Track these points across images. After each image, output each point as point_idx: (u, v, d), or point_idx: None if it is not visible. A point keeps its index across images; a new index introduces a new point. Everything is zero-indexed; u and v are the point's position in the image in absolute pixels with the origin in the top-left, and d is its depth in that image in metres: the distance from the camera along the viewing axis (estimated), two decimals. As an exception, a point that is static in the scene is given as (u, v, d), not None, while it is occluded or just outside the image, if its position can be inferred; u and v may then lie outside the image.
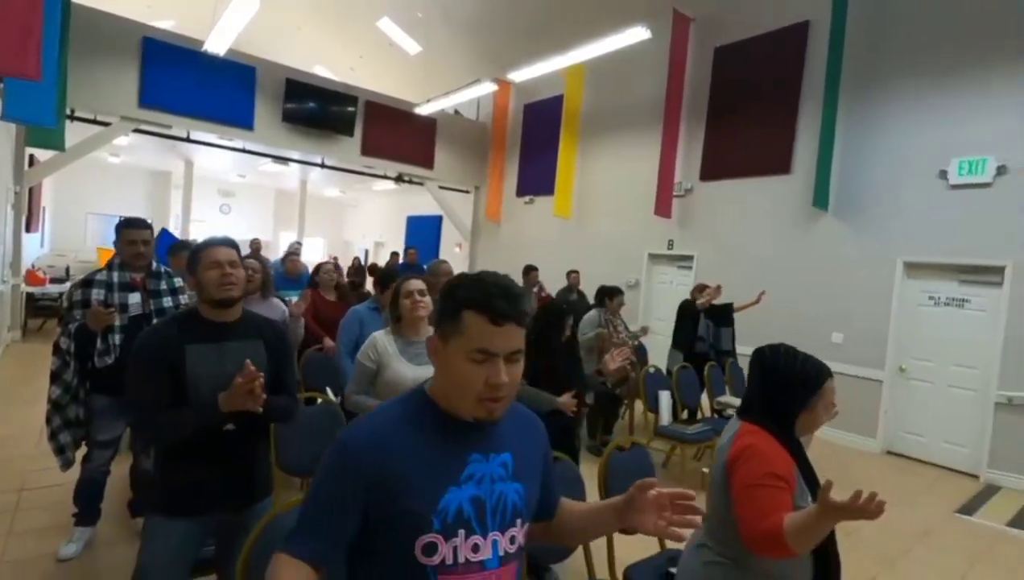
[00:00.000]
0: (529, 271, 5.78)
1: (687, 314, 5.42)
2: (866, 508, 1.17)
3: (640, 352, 5.99)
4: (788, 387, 1.46)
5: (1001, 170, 4.99)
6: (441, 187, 11.27)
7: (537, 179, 10.00)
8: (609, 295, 5.23)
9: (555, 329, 2.56)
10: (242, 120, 8.46)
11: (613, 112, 8.74)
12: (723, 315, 5.58)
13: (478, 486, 0.95)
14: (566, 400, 2.46)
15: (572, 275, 7.26)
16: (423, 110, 9.78)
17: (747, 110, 6.95)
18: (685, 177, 7.63)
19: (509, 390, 0.94)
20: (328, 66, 13.37)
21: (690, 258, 7.54)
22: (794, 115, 6.48)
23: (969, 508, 4.29)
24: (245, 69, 8.46)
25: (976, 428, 5.06)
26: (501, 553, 0.95)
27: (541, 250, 9.55)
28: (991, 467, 4.93)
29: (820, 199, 6.02)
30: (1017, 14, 4.95)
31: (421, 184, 11.09)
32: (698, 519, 1.00)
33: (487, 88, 8.36)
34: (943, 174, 5.32)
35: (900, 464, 5.40)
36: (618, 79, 8.62)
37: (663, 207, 7.52)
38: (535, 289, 5.88)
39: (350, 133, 9.50)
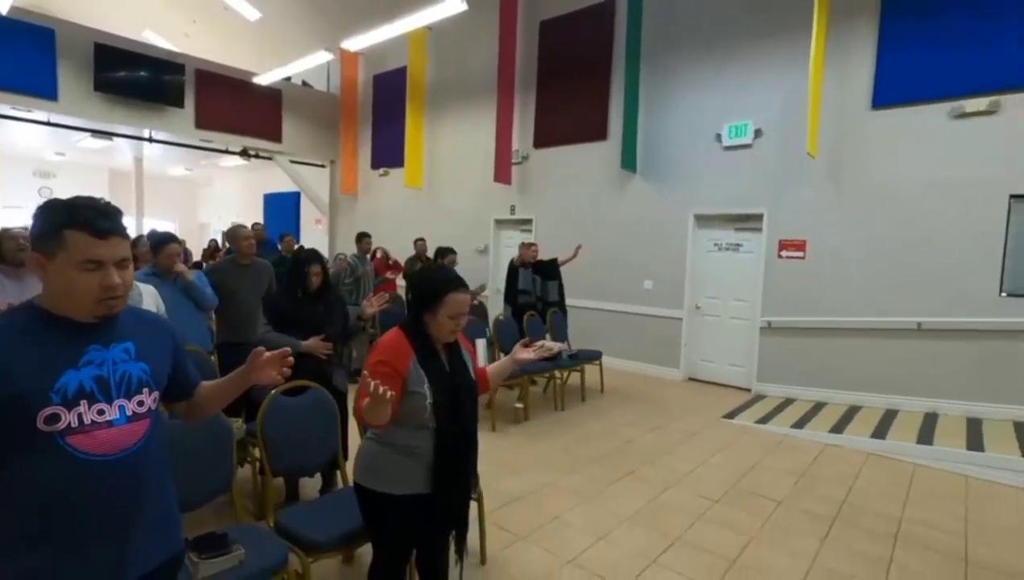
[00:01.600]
0: (361, 238, 5.96)
1: (510, 272, 5.93)
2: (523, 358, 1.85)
3: (479, 309, 6.44)
4: (415, 292, 1.82)
5: (758, 133, 5.95)
6: (293, 161, 10.91)
7: (390, 151, 10.04)
8: (441, 254, 5.61)
9: (297, 277, 2.80)
10: (42, 89, 7.60)
11: (455, 82, 8.99)
12: (549, 270, 6.15)
13: (99, 368, 1.18)
14: (312, 343, 2.74)
15: (418, 243, 7.51)
16: (264, 80, 9.37)
17: (570, 81, 7.52)
18: (522, 145, 8.11)
19: (124, 290, 1.18)
20: (158, 31, 12.23)
21: (530, 221, 8.09)
22: (607, 86, 7.14)
23: (732, 414, 5.23)
24: (41, 31, 7.57)
25: (748, 350, 6.11)
26: (129, 413, 1.20)
27: (397, 221, 9.68)
28: (759, 380, 6.00)
29: (629, 162, 6.76)
30: (765, -1, 5.87)
31: (270, 158, 10.67)
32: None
33: (323, 57, 8.20)
34: (719, 137, 6.22)
35: (697, 386, 6.37)
36: (458, 50, 8.87)
37: (503, 174, 7.96)
38: (368, 255, 6.08)
39: (180, 104, 8.87)
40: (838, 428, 4.71)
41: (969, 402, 4.81)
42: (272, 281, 3.70)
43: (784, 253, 5.83)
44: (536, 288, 5.95)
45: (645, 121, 6.81)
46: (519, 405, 4.85)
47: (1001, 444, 4.12)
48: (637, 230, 6.94)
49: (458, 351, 1.92)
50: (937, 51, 4.94)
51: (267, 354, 1.39)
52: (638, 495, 3.44)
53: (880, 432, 4.55)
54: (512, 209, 8.30)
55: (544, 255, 6.41)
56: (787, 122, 5.69)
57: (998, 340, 4.68)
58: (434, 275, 1.85)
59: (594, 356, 5.70)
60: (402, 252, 7.66)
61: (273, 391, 2.33)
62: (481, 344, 4.84)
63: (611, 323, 7.10)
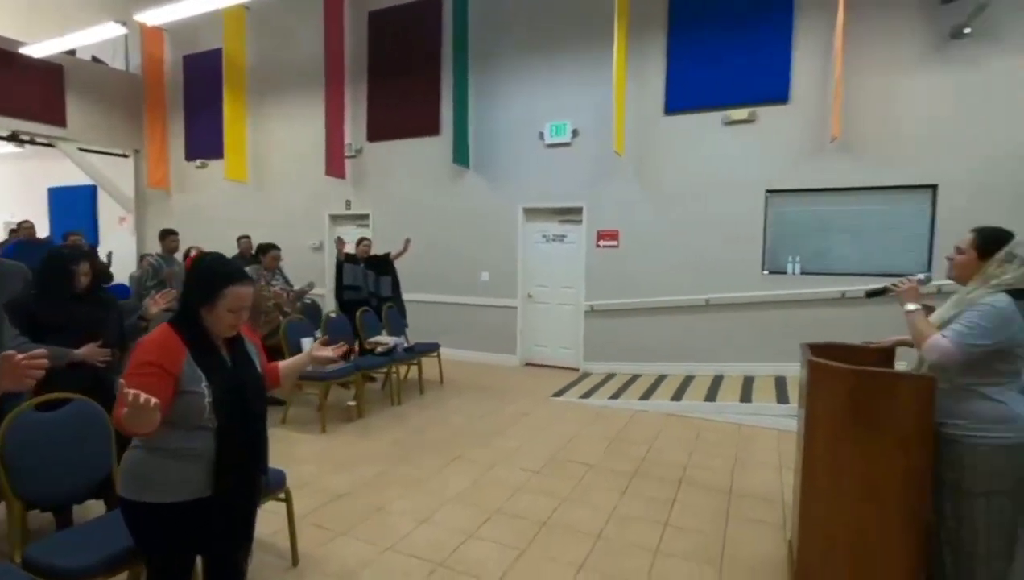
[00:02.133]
0: (165, 236, 5.35)
1: (336, 268, 5.78)
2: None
3: (311, 308, 6.14)
4: (191, 284, 1.71)
5: (576, 133, 6.47)
6: (84, 150, 9.39)
7: (207, 140, 9.11)
8: (263, 251, 5.25)
9: (59, 277, 2.47)
10: None
11: (280, 68, 8.43)
12: (382, 265, 6.08)
13: None
14: (87, 351, 2.44)
15: (242, 241, 6.95)
16: (36, 51, 7.92)
17: (402, 74, 7.48)
18: (355, 138, 7.88)
19: None
20: None
21: (367, 217, 7.90)
22: (437, 81, 7.23)
23: (560, 392, 5.65)
24: None
25: (576, 333, 6.63)
26: None
27: (221, 219, 8.83)
28: (586, 359, 6.55)
29: (461, 157, 6.92)
30: (575, 8, 6.37)
31: (52, 145, 9.07)
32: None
33: (115, 31, 7.16)
34: (541, 135, 6.64)
35: (532, 371, 6.76)
36: (282, 34, 8.33)
37: (335, 167, 7.66)
38: (177, 254, 5.49)
39: (-87, 75, 7.16)
40: (646, 395, 5.33)
41: (744, 362, 5.74)
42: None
43: (601, 243, 6.42)
44: (369, 283, 5.85)
45: (476, 117, 7.02)
46: (351, 403, 4.74)
47: (764, 394, 4.99)
48: (472, 223, 7.14)
49: (241, 345, 1.83)
50: (711, 66, 5.78)
51: (17, 357, 1.22)
52: (465, 476, 3.58)
53: (678, 395, 5.24)
54: (348, 204, 8.03)
55: (383, 250, 6.33)
56: (599, 123, 6.26)
57: (762, 310, 5.65)
58: (213, 266, 1.73)
59: (431, 349, 5.76)
60: (227, 252, 7.01)
61: (24, 405, 2.02)
62: (307, 342, 4.65)
63: (451, 315, 7.23)
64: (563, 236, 6.78)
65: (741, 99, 5.66)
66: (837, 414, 2.10)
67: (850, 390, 2.07)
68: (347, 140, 7.82)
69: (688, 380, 5.76)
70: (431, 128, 7.30)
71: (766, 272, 5.70)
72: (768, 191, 5.65)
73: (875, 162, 5.20)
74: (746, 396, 5.02)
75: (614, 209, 6.33)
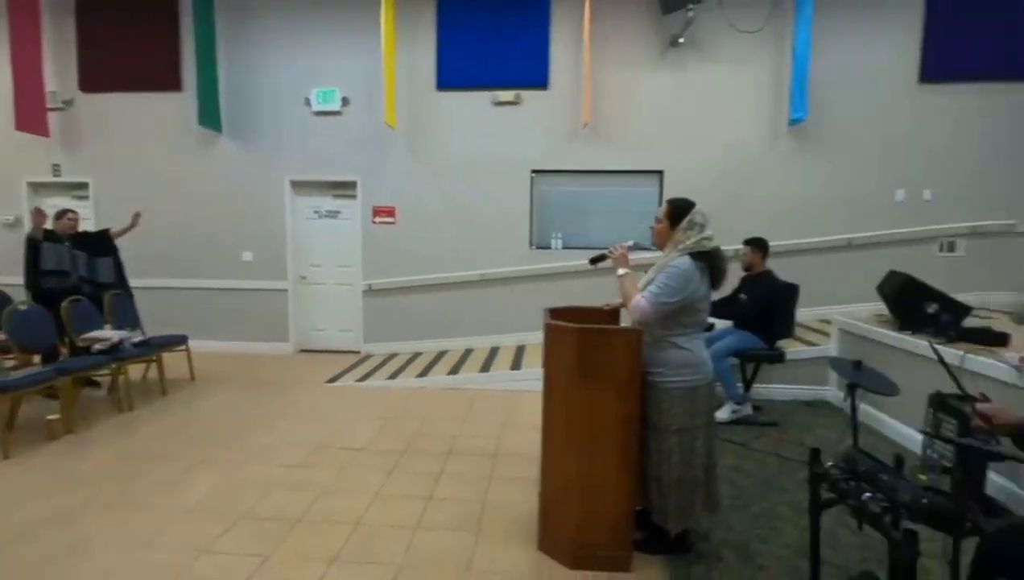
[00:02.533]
0: None
1: (28, 248, 4.54)
2: None
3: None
4: None
5: (346, 101, 6.06)
6: None
7: None
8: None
9: None
10: None
11: (-65, -16, 6.27)
12: (96, 244, 4.94)
13: None
14: None
15: None
16: None
17: (124, 13, 6.13)
18: (62, 87, 6.27)
19: None
20: None
21: (84, 186, 6.39)
22: (176, 27, 6.11)
23: (336, 378, 5.31)
24: None
25: (355, 314, 6.31)
26: None
27: None
28: (366, 341, 6.28)
29: (209, 119, 5.97)
30: (341, -33, 5.92)
31: None
32: None
33: None
34: (308, 101, 6.08)
35: (307, 357, 6.25)
36: (-67, -63, 6.17)
37: (32, 122, 6.00)
38: None
39: None
40: (425, 372, 5.31)
41: (517, 333, 6.09)
42: None
43: (378, 219, 6.17)
44: (79, 267, 4.72)
45: (229, 74, 6.12)
46: (53, 417, 3.77)
47: (532, 360, 5.35)
48: (227, 197, 6.26)
49: None
50: (479, 47, 5.89)
51: None
52: (205, 483, 3.09)
53: (455, 369, 5.33)
54: (55, 169, 6.39)
55: (105, 226, 5.16)
56: (370, 93, 5.95)
57: (532, 282, 6.04)
58: None
59: (176, 342, 4.92)
60: None
61: None
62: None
63: (205, 302, 6.29)
64: (337, 212, 6.35)
65: (507, 81, 5.89)
66: (569, 369, 2.25)
67: (578, 347, 2.23)
68: (48, 88, 6.17)
69: (467, 354, 5.91)
70: (170, 82, 6.16)
71: (534, 248, 6.10)
72: (533, 171, 6.02)
73: (618, 149, 5.89)
74: (516, 364, 5.32)
75: (390, 184, 6.12)
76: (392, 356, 6.08)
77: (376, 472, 3.26)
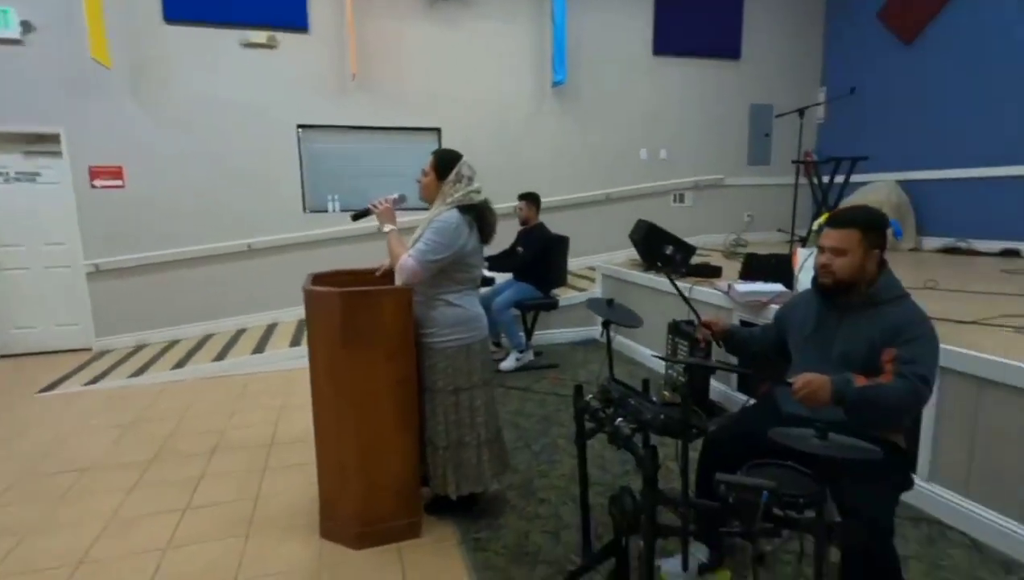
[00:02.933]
0: None
1: None
2: None
3: None
4: None
5: (28, 27, 4.63)
6: None
7: None
8: None
9: None
10: None
11: None
12: None
13: None
14: None
15: None
16: None
17: None
18: None
19: None
20: None
21: None
22: None
23: (54, 384, 4.21)
24: None
25: (79, 303, 5.05)
26: None
27: None
28: (100, 335, 5.09)
29: None
30: None
31: None
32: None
33: None
34: (-36, 23, 4.50)
35: (14, 364, 4.85)
36: None
37: None
38: None
39: None
40: (183, 363, 4.52)
41: (297, 307, 5.54)
42: None
43: (98, 182, 4.95)
44: None
45: None
46: None
47: (316, 335, 4.93)
48: None
49: None
50: (218, -26, 4.98)
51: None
52: None
53: (223, 354, 4.64)
54: None
55: None
56: (68, 18, 4.63)
57: (308, 250, 5.50)
58: None
59: None
60: None
61: None
62: None
63: None
64: (36, 173, 4.93)
65: (258, 19, 5.11)
66: (333, 336, 2.03)
67: (341, 311, 2.01)
68: None
69: (239, 335, 5.20)
70: None
71: (308, 211, 5.55)
72: (300, 126, 5.41)
73: (392, 104, 5.59)
74: (297, 340, 4.85)
75: (111, 138, 4.92)
76: (140, 348, 5.05)
77: (110, 493, 2.64)
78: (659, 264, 4.46)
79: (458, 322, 2.19)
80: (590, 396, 1.92)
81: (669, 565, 1.89)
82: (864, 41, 6.27)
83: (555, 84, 5.87)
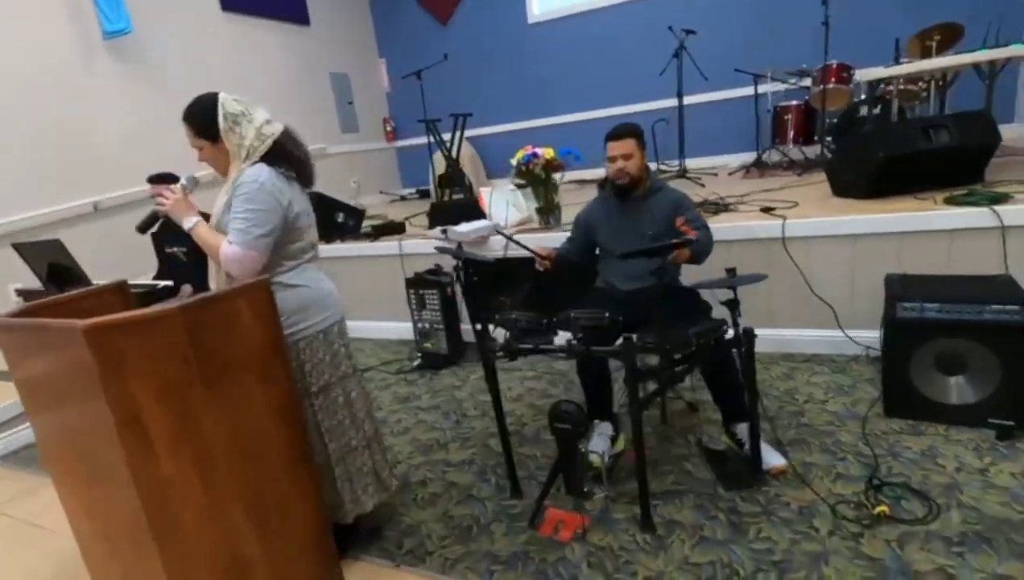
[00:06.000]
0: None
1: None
2: None
3: None
4: None
5: None
6: None
7: None
8: None
9: None
10: None
11: None
12: None
13: None
14: None
15: None
16: None
17: None
18: None
19: None
20: None
21: None
22: None
23: None
24: None
25: None
26: None
27: None
28: None
29: None
30: None
31: None
32: None
33: None
34: None
35: None
36: None
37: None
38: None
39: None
40: None
41: None
42: None
43: None
44: None
45: None
46: None
47: None
48: None
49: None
50: None
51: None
52: None
53: None
54: None
55: None
56: None
57: None
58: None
59: None
60: None
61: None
62: None
63: None
64: None
65: None
66: (182, 379, 1.28)
67: (187, 339, 1.27)
68: None
69: None
70: None
71: None
72: None
73: None
74: None
75: None
76: None
77: None
78: (338, 233, 4.28)
79: (304, 306, 1.70)
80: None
81: (593, 446, 2.16)
82: (407, 21, 7.18)
83: (108, 35, 4.43)
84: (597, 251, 2.46)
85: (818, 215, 2.86)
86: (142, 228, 1.82)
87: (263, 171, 1.60)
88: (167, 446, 1.28)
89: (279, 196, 1.61)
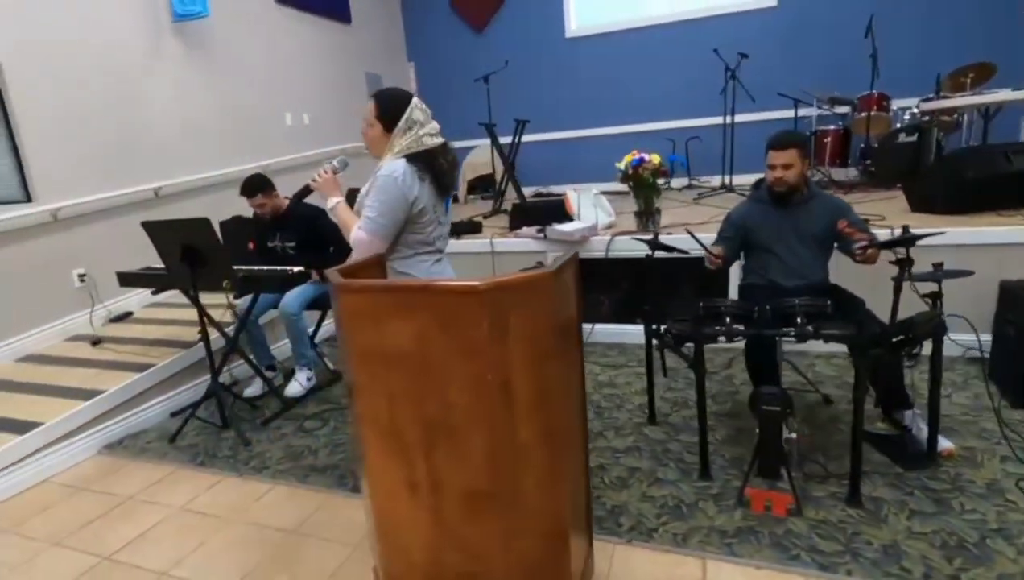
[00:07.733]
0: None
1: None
2: None
3: None
4: None
5: None
6: None
7: None
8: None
9: None
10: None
11: None
12: None
13: None
14: None
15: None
16: None
17: None
18: None
19: None
20: None
21: None
22: None
23: None
24: None
25: None
26: None
27: None
28: None
29: None
30: None
31: None
32: None
33: None
34: None
35: None
36: None
37: None
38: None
39: None
40: None
41: None
42: None
43: None
44: None
45: None
46: None
47: None
48: None
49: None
50: None
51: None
52: None
53: None
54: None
55: None
56: None
57: None
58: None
59: None
60: None
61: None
62: None
63: None
64: None
65: None
66: (536, 347, 1.32)
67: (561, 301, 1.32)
68: None
69: None
70: None
71: None
72: None
73: None
74: None
75: None
76: None
77: None
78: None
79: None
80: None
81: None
82: (439, 26, 7.25)
83: (178, 17, 4.29)
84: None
85: (915, 227, 3.12)
86: (297, 198, 2.06)
87: (399, 166, 1.74)
88: (526, 412, 1.31)
89: (407, 191, 1.73)
